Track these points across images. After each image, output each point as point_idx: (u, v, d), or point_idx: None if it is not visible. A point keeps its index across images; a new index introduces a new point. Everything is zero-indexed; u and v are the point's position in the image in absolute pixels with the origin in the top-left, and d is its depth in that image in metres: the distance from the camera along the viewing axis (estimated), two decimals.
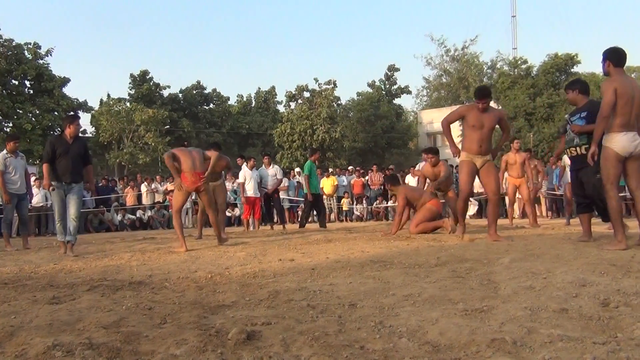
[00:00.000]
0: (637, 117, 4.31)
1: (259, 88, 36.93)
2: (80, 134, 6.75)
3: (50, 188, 6.25)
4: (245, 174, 10.61)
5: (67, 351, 1.84)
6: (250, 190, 10.61)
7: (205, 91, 34.37)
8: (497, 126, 6.05)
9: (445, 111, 32.10)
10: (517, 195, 13.99)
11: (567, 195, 9.93)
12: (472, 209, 14.73)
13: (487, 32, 74.32)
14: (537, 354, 1.69)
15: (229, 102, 35.32)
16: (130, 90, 31.31)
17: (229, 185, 13.37)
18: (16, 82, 24.76)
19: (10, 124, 24.13)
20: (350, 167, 19.83)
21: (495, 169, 6.00)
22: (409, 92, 33.80)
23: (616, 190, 4.31)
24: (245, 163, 10.87)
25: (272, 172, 11.22)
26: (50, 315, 2.47)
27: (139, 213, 15.25)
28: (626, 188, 4.84)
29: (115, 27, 65.13)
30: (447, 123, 5.87)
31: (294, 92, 30.51)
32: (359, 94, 33.08)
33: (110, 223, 14.52)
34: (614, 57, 4.40)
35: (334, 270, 3.71)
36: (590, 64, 77.04)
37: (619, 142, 4.24)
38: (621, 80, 4.30)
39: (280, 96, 35.99)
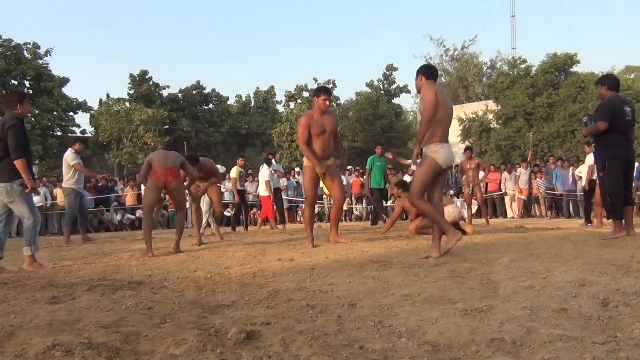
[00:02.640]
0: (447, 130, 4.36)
1: (258, 88, 36.91)
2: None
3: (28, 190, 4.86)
4: (268, 173, 10.77)
5: (67, 351, 1.84)
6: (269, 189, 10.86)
7: (205, 91, 34.35)
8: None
9: None
10: (518, 195, 14.00)
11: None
12: (472, 209, 14.75)
13: (486, 32, 74.35)
14: (536, 354, 1.69)
15: (228, 102, 35.30)
16: (130, 90, 31.26)
17: (228, 185, 13.51)
18: (15, 82, 24.77)
19: None
20: (349, 167, 19.81)
21: (338, 173, 5.82)
22: (408, 92, 33.72)
23: (424, 198, 4.27)
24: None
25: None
26: (50, 315, 2.47)
27: (138, 213, 15.24)
28: None
29: (115, 27, 65.16)
30: (304, 144, 5.59)
31: (293, 92, 30.51)
32: (357, 93, 33.04)
33: (109, 223, 14.51)
34: (426, 70, 4.39)
35: (334, 270, 3.71)
36: (589, 64, 77.20)
37: (442, 153, 4.21)
38: (440, 91, 4.29)
39: (280, 96, 35.97)
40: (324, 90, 5.72)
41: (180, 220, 6.15)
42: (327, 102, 5.62)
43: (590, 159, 9.67)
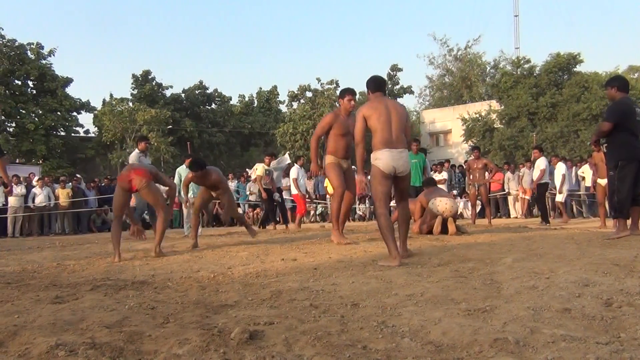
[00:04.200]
0: (403, 132, 4.47)
1: (260, 88, 36.90)
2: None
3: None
4: (298, 171, 10.81)
5: (70, 351, 1.84)
6: (302, 187, 10.89)
7: (208, 91, 34.37)
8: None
9: (448, 111, 32.16)
10: (522, 195, 14.04)
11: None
12: (476, 209, 14.76)
13: (489, 32, 74.36)
14: (539, 354, 1.69)
15: (231, 102, 35.32)
16: (133, 90, 31.31)
17: (231, 184, 13.63)
18: (19, 82, 24.91)
19: (13, 124, 24.23)
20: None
21: (353, 174, 5.91)
22: (412, 92, 33.68)
23: (385, 208, 4.22)
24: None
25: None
26: (53, 315, 2.48)
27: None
28: None
29: (118, 28, 65.27)
30: (317, 139, 5.80)
31: (296, 92, 30.50)
32: (360, 94, 33.02)
33: None
34: (370, 84, 4.67)
35: (337, 269, 3.71)
36: (593, 63, 77.03)
37: (381, 160, 4.30)
38: (371, 103, 4.48)
39: (283, 96, 35.94)
40: (348, 91, 5.81)
41: (158, 222, 5.52)
42: (352, 103, 5.72)
43: (541, 163, 9.90)
